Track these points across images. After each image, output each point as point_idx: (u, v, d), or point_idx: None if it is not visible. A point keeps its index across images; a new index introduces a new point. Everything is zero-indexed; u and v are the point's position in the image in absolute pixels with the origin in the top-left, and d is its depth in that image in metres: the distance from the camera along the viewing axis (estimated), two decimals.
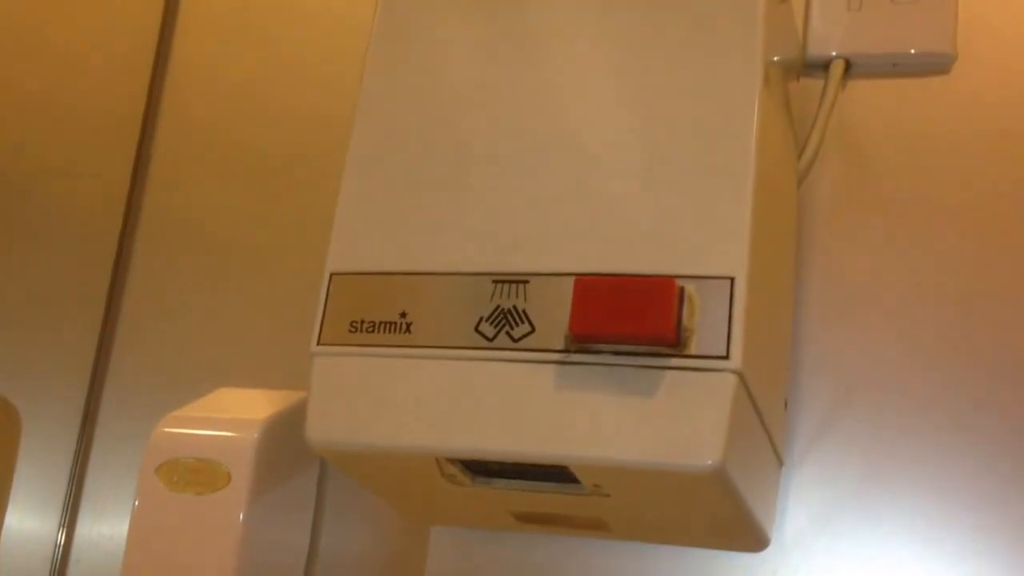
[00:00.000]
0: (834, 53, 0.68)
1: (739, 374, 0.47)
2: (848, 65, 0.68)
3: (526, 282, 0.50)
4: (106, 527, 0.74)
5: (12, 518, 0.75)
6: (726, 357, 0.47)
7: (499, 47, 0.55)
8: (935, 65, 0.68)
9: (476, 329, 0.50)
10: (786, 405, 0.62)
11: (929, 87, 0.67)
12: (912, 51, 0.67)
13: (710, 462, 0.46)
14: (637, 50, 0.54)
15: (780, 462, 0.61)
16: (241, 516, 0.52)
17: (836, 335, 0.64)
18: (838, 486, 0.62)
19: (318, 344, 0.52)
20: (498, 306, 0.50)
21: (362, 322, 0.52)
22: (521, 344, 0.49)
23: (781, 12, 0.59)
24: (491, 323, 0.50)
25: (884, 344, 0.64)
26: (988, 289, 0.63)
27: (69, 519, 0.74)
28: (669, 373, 0.48)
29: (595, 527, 0.58)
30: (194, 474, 0.53)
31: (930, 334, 0.63)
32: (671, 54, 0.53)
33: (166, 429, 0.55)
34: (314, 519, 0.58)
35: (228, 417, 0.56)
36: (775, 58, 0.56)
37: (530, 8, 0.56)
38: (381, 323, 0.52)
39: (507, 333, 0.50)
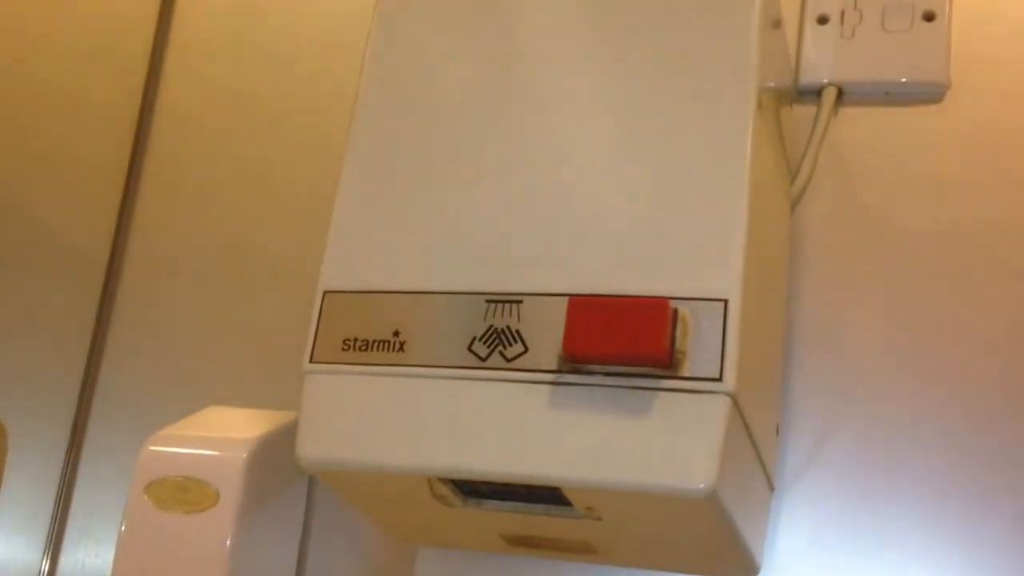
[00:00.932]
0: (826, 80, 0.68)
1: (732, 397, 0.47)
2: (840, 92, 0.68)
3: (520, 302, 0.50)
4: (91, 548, 0.73)
5: None
6: (719, 379, 0.47)
7: (494, 70, 0.56)
8: (928, 94, 0.68)
9: (469, 348, 0.50)
10: (778, 430, 0.62)
11: (921, 116, 0.68)
12: (904, 80, 0.68)
13: (702, 485, 0.46)
14: (632, 74, 0.54)
15: (771, 487, 0.61)
16: (229, 536, 0.52)
17: (827, 359, 0.64)
18: (828, 512, 0.62)
19: (310, 362, 0.52)
20: (491, 326, 0.50)
21: (355, 340, 0.52)
22: (514, 364, 0.49)
23: (775, 38, 0.59)
24: (484, 343, 0.50)
25: (876, 369, 0.64)
26: (980, 314, 0.63)
27: (55, 541, 0.73)
28: (662, 395, 0.47)
29: (584, 551, 0.57)
30: (182, 493, 0.53)
31: (922, 358, 0.63)
32: (666, 79, 0.53)
33: (153, 447, 0.55)
34: (302, 539, 0.58)
35: (217, 436, 0.55)
36: (768, 84, 0.56)
37: (526, 31, 0.56)
38: (374, 342, 0.51)
39: (500, 353, 0.50)
